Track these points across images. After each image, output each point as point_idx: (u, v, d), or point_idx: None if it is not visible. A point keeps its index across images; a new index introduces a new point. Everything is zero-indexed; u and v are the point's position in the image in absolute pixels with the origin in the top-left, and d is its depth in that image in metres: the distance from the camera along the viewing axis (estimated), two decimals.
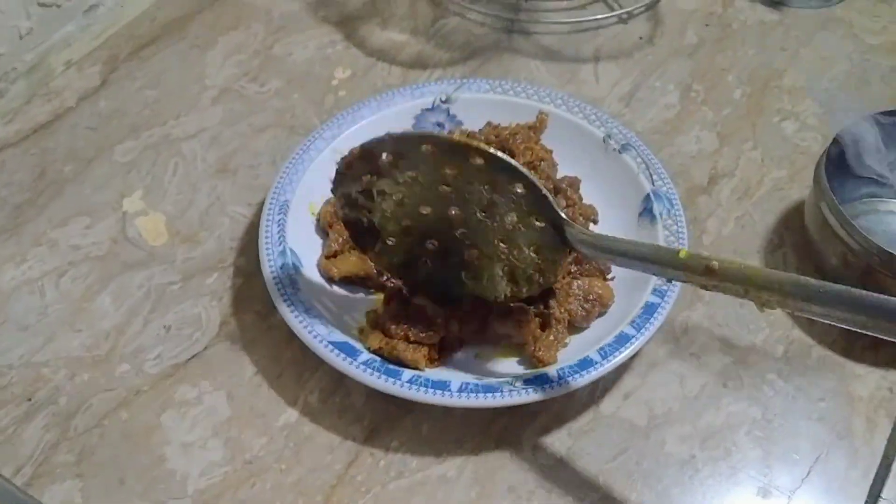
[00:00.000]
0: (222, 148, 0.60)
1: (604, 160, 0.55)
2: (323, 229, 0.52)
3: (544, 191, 0.42)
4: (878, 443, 0.46)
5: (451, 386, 0.44)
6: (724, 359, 0.49)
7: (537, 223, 0.43)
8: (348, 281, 0.50)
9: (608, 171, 0.55)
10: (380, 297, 0.50)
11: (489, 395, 0.43)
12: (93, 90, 0.64)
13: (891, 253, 0.46)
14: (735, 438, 0.46)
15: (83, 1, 0.65)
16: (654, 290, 0.48)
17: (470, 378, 0.45)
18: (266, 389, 0.47)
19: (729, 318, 0.51)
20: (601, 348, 0.46)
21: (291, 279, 0.48)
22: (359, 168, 0.43)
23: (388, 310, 0.48)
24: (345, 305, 0.49)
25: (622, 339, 0.46)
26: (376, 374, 0.44)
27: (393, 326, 0.46)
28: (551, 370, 0.45)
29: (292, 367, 0.48)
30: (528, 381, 0.44)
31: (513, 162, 0.41)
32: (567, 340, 0.48)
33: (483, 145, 0.41)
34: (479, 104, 0.58)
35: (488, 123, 0.57)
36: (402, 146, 0.42)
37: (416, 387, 0.44)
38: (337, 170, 0.44)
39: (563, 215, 0.42)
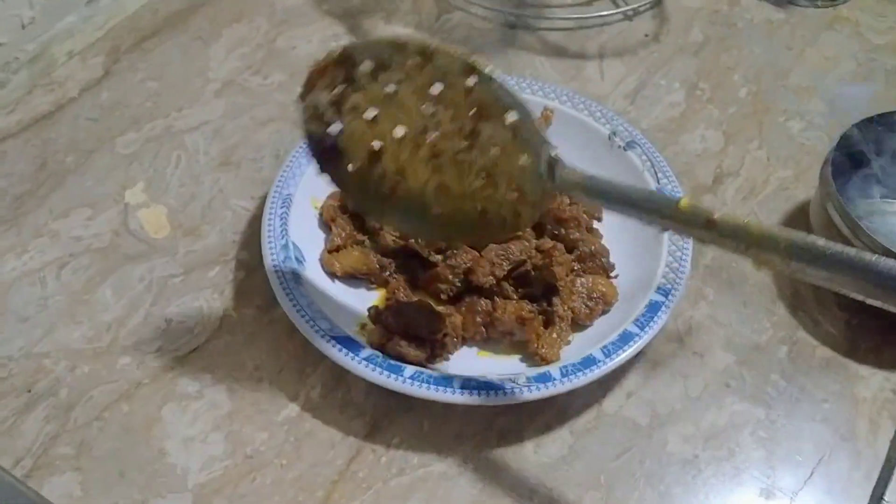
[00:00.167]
0: (225, 141, 0.60)
1: (608, 157, 0.55)
2: (325, 223, 0.52)
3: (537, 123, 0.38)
4: (881, 444, 0.46)
5: (454, 383, 0.44)
6: (728, 359, 0.49)
7: (522, 158, 0.39)
8: (350, 276, 0.50)
9: (613, 168, 0.55)
10: (382, 292, 0.50)
11: (491, 392, 0.43)
12: (95, 81, 0.64)
13: None
14: (738, 439, 0.46)
15: None
16: (659, 289, 0.48)
17: (472, 375, 0.45)
18: (267, 384, 0.47)
19: (733, 318, 0.51)
20: (604, 346, 0.45)
21: (293, 273, 0.48)
22: (333, 74, 0.39)
23: (391, 305, 0.48)
24: (347, 300, 0.49)
25: (625, 338, 0.46)
26: (378, 369, 0.44)
27: (395, 322, 0.46)
28: (554, 368, 0.45)
29: (294, 361, 0.48)
30: (531, 379, 0.44)
31: (509, 86, 0.38)
32: (570, 338, 0.48)
33: (481, 63, 0.38)
34: None
35: None
36: (387, 54, 0.38)
37: (419, 383, 0.43)
38: (309, 72, 0.40)
39: (554, 153, 0.39)
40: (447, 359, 0.47)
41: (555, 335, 0.47)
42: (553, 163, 0.39)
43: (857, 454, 0.45)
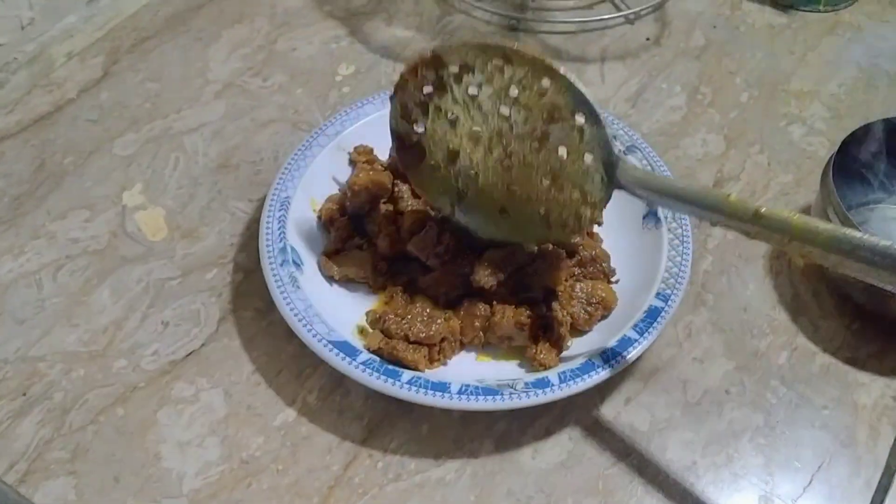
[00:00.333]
0: (224, 143, 0.60)
1: None
2: (324, 227, 0.52)
3: (604, 122, 0.40)
4: (881, 451, 0.45)
5: (451, 388, 0.43)
6: (727, 364, 0.49)
7: (587, 159, 0.41)
8: (348, 280, 0.50)
9: None
10: (380, 296, 0.50)
11: (489, 397, 0.43)
12: (94, 82, 0.63)
13: None
14: (737, 445, 0.46)
15: None
16: (658, 294, 0.47)
17: (470, 380, 0.44)
18: (264, 388, 0.47)
19: (733, 324, 0.51)
20: (603, 352, 0.45)
21: (291, 277, 0.47)
22: (424, 75, 0.42)
23: (389, 309, 0.48)
24: (345, 304, 0.49)
25: (625, 343, 0.45)
26: (375, 374, 0.44)
27: (393, 326, 0.46)
28: (552, 373, 0.44)
29: (291, 365, 0.48)
30: (529, 384, 0.44)
31: (582, 87, 0.40)
32: (569, 343, 0.47)
33: (555, 65, 0.40)
34: None
35: None
36: (472, 56, 0.41)
37: (416, 388, 0.43)
38: (402, 73, 0.43)
39: (617, 150, 0.41)
40: (445, 363, 0.47)
41: (554, 340, 0.46)
42: (615, 161, 0.41)
43: (857, 461, 0.45)
